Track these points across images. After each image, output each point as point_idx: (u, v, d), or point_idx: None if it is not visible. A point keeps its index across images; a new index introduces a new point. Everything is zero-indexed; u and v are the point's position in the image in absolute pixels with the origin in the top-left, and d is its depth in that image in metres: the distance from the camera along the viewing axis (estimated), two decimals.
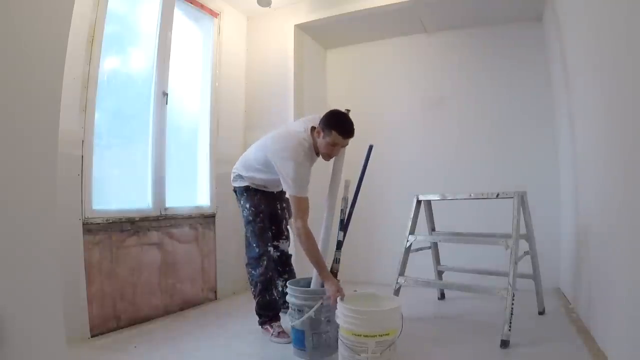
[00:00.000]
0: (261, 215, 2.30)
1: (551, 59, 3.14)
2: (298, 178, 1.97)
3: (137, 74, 2.80)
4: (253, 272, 2.30)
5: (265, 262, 2.27)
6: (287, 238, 2.51)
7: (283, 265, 2.49)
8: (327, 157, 2.10)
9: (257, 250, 2.28)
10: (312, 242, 1.96)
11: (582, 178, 2.36)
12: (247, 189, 2.31)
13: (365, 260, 3.71)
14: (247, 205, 2.29)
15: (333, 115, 2.04)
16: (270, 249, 2.33)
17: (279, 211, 2.46)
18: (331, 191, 2.16)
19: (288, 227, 2.52)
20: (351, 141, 2.17)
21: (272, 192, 2.39)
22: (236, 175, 2.36)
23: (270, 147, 2.09)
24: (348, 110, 2.19)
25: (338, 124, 2.00)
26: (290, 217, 2.47)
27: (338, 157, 2.19)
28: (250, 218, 2.29)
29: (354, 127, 2.03)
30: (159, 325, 2.55)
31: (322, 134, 2.02)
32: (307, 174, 2.02)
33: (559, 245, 3.09)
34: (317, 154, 2.13)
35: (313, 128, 2.09)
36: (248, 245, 2.33)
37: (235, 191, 2.39)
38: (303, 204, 1.98)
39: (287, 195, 2.09)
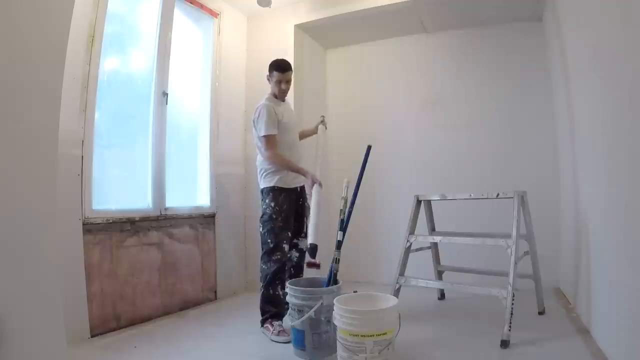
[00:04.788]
0: (283, 214, 2.38)
1: (551, 59, 3.14)
2: (266, 117, 2.35)
3: (137, 74, 2.80)
4: (264, 266, 2.37)
5: (277, 257, 2.33)
6: (306, 236, 2.52)
7: (297, 270, 2.53)
8: (282, 94, 2.52)
9: (271, 245, 2.35)
10: (282, 157, 2.39)
11: (582, 178, 2.36)
12: (272, 189, 2.41)
13: (365, 260, 3.71)
14: (272, 204, 2.39)
15: (271, 62, 2.52)
16: (285, 246, 2.38)
17: (300, 208, 2.55)
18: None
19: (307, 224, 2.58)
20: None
21: (295, 189, 2.49)
22: (260, 171, 2.48)
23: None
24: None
25: (274, 65, 2.49)
26: (308, 214, 2.51)
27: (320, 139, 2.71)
28: (274, 216, 2.37)
29: (290, 64, 2.51)
30: (159, 325, 2.55)
31: (270, 80, 2.50)
32: (271, 113, 2.37)
33: (559, 245, 3.09)
34: (282, 100, 2.55)
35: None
36: (264, 241, 2.40)
37: (262, 191, 2.48)
38: (271, 140, 2.36)
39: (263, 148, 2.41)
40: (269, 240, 2.36)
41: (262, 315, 2.36)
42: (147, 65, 2.81)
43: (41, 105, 1.44)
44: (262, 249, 2.40)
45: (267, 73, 2.51)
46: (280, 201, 2.39)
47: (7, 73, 1.32)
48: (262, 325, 2.34)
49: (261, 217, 2.43)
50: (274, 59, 2.54)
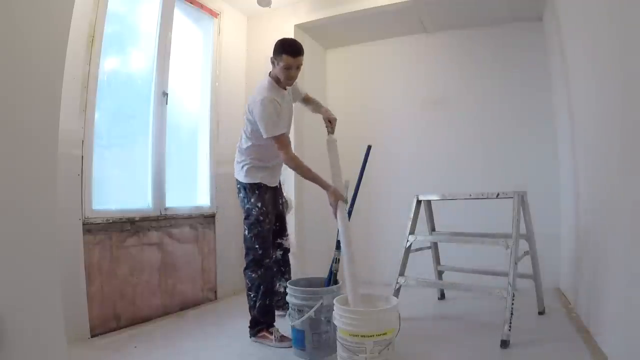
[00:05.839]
0: (269, 216, 2.24)
1: (551, 59, 3.14)
2: (275, 116, 2.04)
3: (137, 74, 2.79)
4: (253, 275, 2.20)
5: (268, 264, 2.22)
6: (288, 235, 2.51)
7: (284, 264, 2.48)
8: (288, 81, 2.16)
9: (260, 252, 2.19)
10: (303, 166, 2.09)
11: (582, 178, 2.36)
12: (258, 186, 2.20)
13: (366, 260, 3.69)
14: (259, 205, 2.18)
15: (278, 42, 2.14)
16: (272, 251, 2.31)
17: (280, 206, 2.44)
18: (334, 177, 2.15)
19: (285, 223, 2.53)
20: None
21: (275, 187, 2.36)
22: (240, 163, 2.24)
23: (248, 107, 2.17)
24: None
25: (284, 47, 2.10)
26: (287, 212, 2.49)
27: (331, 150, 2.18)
28: (261, 218, 2.18)
29: (302, 48, 2.13)
30: (158, 325, 2.55)
31: (275, 63, 2.12)
32: (277, 109, 2.07)
33: (559, 245, 3.08)
34: (284, 88, 2.21)
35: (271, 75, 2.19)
36: (250, 247, 2.21)
37: (244, 187, 2.22)
38: (282, 139, 2.06)
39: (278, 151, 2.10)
40: (257, 246, 2.17)
41: (255, 326, 2.21)
42: (147, 65, 2.81)
43: (41, 105, 1.44)
44: (249, 255, 2.20)
45: (272, 55, 2.14)
46: (266, 201, 2.20)
47: (7, 73, 1.32)
48: (254, 336, 2.21)
49: (245, 218, 2.21)
50: (280, 39, 2.18)
